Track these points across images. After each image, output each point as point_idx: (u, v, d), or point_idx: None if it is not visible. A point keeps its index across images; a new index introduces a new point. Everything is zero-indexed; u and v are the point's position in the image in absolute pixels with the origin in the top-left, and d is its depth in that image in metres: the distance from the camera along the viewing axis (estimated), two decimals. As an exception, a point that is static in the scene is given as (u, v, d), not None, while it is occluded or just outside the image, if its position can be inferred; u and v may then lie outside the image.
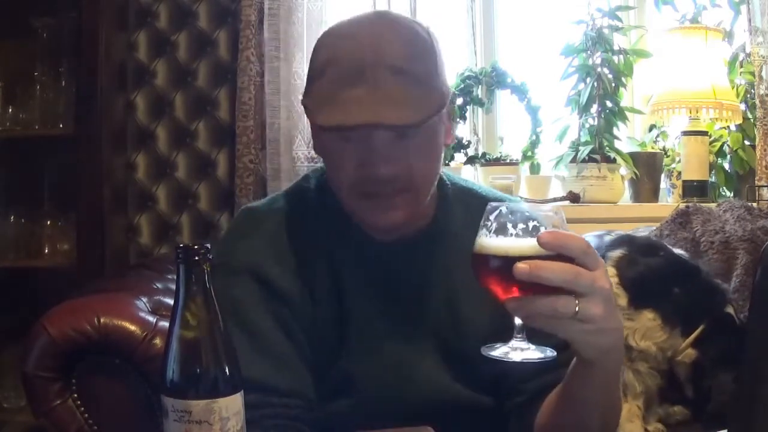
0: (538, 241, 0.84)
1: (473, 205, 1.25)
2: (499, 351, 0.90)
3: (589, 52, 2.41)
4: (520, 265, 0.83)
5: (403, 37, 1.11)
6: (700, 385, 1.71)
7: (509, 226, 0.87)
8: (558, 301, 0.85)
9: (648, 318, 1.72)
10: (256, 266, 1.15)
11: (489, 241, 0.88)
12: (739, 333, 1.74)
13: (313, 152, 2.38)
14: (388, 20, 1.14)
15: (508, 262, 0.84)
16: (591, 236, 1.88)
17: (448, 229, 1.23)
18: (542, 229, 0.85)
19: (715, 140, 2.57)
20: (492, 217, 0.88)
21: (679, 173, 2.50)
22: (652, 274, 1.76)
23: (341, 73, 1.07)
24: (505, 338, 1.17)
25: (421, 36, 1.12)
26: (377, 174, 1.09)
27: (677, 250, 1.87)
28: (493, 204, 0.90)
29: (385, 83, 1.06)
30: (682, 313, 1.73)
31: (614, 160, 2.42)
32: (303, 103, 1.14)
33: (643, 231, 2.09)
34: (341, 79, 1.07)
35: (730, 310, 1.77)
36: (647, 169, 2.50)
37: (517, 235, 0.86)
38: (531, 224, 0.86)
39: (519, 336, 0.90)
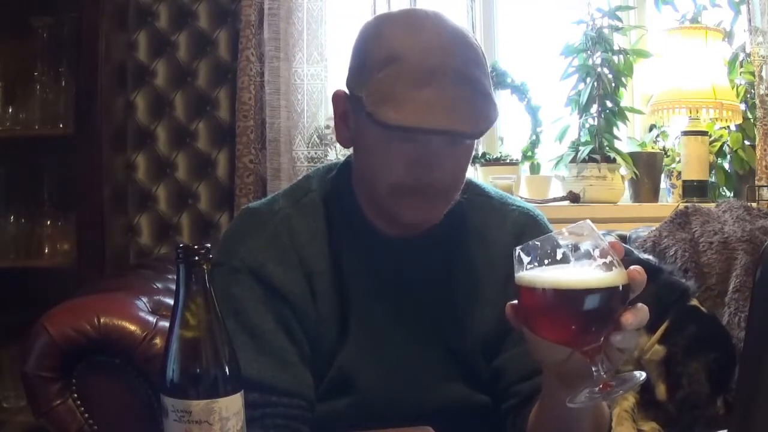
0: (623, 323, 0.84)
1: (478, 203, 1.26)
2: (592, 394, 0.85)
3: (589, 52, 2.41)
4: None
5: (463, 40, 1.11)
6: (672, 379, 1.71)
7: (565, 256, 0.83)
8: (645, 308, 0.86)
9: None
10: (257, 266, 1.15)
11: (557, 274, 0.82)
12: (706, 322, 1.76)
13: (313, 152, 2.38)
14: (446, 21, 1.13)
15: (577, 294, 0.82)
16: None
17: (453, 227, 1.23)
18: (595, 253, 0.83)
19: (715, 140, 2.57)
20: (541, 250, 0.83)
21: (679, 173, 2.50)
22: None
23: (406, 73, 1.06)
24: (505, 339, 1.17)
25: (475, 42, 1.13)
26: (430, 176, 1.09)
27: (644, 255, 1.88)
28: (538, 240, 0.84)
29: (453, 89, 1.06)
30: None
31: (614, 160, 2.42)
32: (354, 93, 1.12)
33: (642, 231, 2.10)
34: (407, 79, 1.06)
35: (694, 303, 1.78)
36: (647, 169, 2.50)
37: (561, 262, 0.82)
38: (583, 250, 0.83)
39: (604, 369, 0.85)
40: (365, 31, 1.16)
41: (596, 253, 0.83)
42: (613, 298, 0.83)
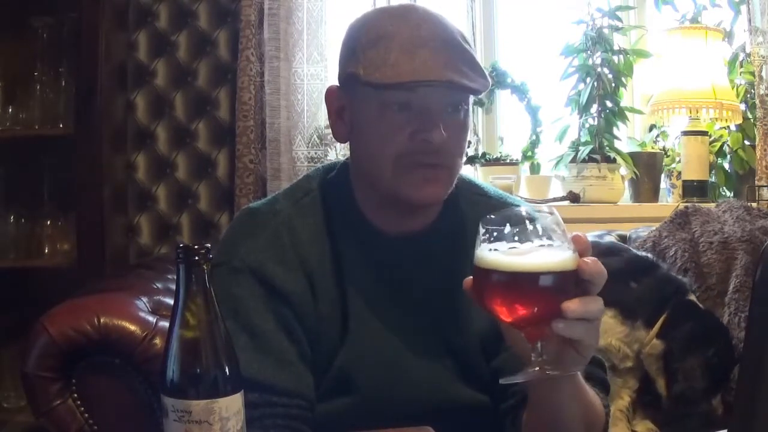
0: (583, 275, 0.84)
1: (477, 203, 1.26)
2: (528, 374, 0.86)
3: (589, 52, 2.41)
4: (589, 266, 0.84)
5: (449, 23, 1.15)
6: (671, 375, 1.72)
7: (515, 237, 0.82)
8: (599, 301, 0.86)
9: (607, 316, 1.73)
10: (257, 266, 1.15)
11: (504, 257, 0.82)
12: (703, 318, 1.78)
13: (313, 152, 2.38)
14: (430, 10, 1.17)
15: (528, 277, 0.82)
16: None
17: (452, 226, 1.23)
18: (553, 239, 0.82)
19: (715, 140, 2.57)
20: (495, 228, 0.84)
21: (679, 173, 2.50)
22: (609, 274, 1.82)
23: (399, 44, 1.09)
24: (503, 339, 1.16)
25: (459, 30, 1.16)
26: (432, 140, 1.10)
27: (642, 253, 1.89)
28: (496, 216, 0.85)
29: (445, 52, 1.09)
30: (642, 306, 1.76)
31: (614, 160, 2.42)
32: (349, 72, 1.13)
33: (642, 231, 2.10)
34: (400, 48, 1.09)
35: (691, 298, 1.80)
36: (647, 169, 2.50)
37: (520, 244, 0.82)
38: (538, 234, 0.83)
39: (543, 355, 0.85)
40: (352, 25, 1.19)
41: (547, 237, 0.82)
42: (556, 283, 0.82)
